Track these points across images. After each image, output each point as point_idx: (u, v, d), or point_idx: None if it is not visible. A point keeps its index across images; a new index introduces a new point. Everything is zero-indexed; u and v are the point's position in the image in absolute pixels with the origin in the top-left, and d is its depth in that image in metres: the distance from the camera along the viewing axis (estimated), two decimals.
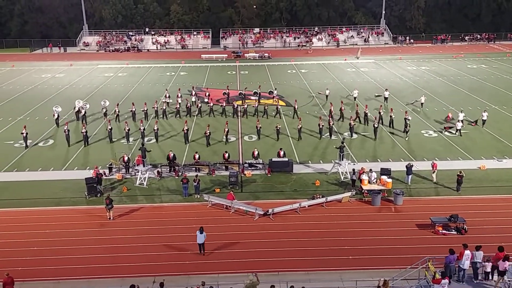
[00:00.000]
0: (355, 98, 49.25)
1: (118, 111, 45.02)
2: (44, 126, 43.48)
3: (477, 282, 20.20)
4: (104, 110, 45.55)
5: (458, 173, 29.76)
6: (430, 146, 37.57)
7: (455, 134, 39.72)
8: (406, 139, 38.64)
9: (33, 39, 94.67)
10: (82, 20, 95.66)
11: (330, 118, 40.53)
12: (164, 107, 46.04)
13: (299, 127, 39.15)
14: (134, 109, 44.78)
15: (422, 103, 47.22)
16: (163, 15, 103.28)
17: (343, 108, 44.32)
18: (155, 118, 44.35)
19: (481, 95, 52.23)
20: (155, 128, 39.19)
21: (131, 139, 39.12)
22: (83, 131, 38.44)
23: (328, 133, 39.62)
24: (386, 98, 49.02)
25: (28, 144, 38.22)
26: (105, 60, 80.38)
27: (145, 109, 45.06)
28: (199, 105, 46.49)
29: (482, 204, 28.25)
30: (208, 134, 37.67)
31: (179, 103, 47.05)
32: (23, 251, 23.85)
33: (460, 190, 29.65)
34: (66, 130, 38.44)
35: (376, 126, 39.08)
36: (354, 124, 39.96)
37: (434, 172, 30.94)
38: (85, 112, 44.48)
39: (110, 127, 39.29)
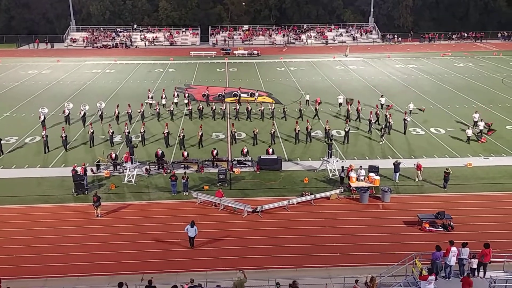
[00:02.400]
0: (340, 104, 46.87)
1: (118, 112, 42.81)
2: (30, 122, 42.99)
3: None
4: (100, 112, 43.37)
5: (445, 170, 30.05)
6: (417, 144, 37.84)
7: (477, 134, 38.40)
8: (382, 142, 37.66)
9: (19, 35, 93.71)
10: (69, 16, 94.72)
11: (308, 123, 38.57)
12: (131, 111, 43.04)
13: (272, 131, 37.60)
14: (130, 111, 42.70)
15: (410, 111, 44.39)
16: (152, 11, 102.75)
17: (360, 108, 43.50)
18: (157, 119, 43.25)
19: (468, 94, 52.71)
20: (141, 130, 37.69)
21: (119, 137, 38.71)
22: (62, 135, 36.26)
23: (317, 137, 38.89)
24: (382, 105, 46.20)
25: (3, 149, 36.02)
26: (93, 56, 79.77)
27: (142, 110, 43.15)
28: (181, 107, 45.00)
29: (469, 201, 28.57)
30: (182, 136, 36.43)
31: (164, 104, 45.29)
32: (10, 249, 23.63)
33: (446, 187, 29.94)
34: (44, 136, 36.13)
35: (347, 130, 37.63)
36: (330, 129, 37.94)
37: (419, 173, 30.97)
38: (84, 113, 42.21)
39: (92, 131, 37.30)
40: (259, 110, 44.54)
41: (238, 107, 44.44)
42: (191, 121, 43.52)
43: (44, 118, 41.78)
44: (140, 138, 37.79)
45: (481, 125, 38.88)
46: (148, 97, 47.71)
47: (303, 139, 38.03)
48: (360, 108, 43.80)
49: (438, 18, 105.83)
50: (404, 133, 39.54)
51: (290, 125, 40.85)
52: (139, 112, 43.28)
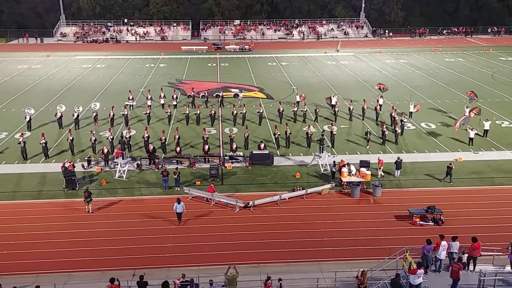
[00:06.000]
0: (333, 105, 43.39)
1: (113, 114, 40.23)
2: (20, 118, 42.46)
3: None
4: (95, 114, 40.88)
5: (448, 165, 30.27)
6: (408, 138, 38.01)
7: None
8: (368, 147, 35.91)
9: (8, 30, 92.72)
10: (59, 10, 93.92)
11: (288, 128, 36.43)
12: (126, 112, 41.18)
13: (246, 135, 35.76)
14: (126, 113, 40.87)
15: (411, 112, 42.35)
16: (142, 6, 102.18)
17: (378, 108, 41.88)
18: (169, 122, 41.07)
19: (458, 89, 53.01)
20: (127, 135, 35.26)
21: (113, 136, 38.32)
22: (42, 142, 33.75)
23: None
24: (381, 106, 43.09)
25: None
26: (83, 51, 79.21)
27: (148, 112, 41.21)
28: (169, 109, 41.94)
29: (458, 195, 28.79)
30: (164, 140, 34.89)
31: (149, 106, 43.22)
32: (1, 245, 23.47)
33: (451, 181, 30.08)
34: (22, 142, 33.55)
35: (334, 133, 35.95)
36: (311, 134, 35.98)
37: (380, 168, 30.85)
38: (78, 115, 40.19)
39: (71, 138, 34.66)
40: (292, 111, 42.34)
41: (217, 110, 41.88)
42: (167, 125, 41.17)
43: (30, 119, 39.64)
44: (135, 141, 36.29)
45: (486, 125, 37.70)
46: (129, 99, 45.25)
47: (283, 144, 36.35)
48: (379, 108, 42.40)
49: (429, 13, 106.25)
50: (401, 134, 37.99)
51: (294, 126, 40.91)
52: (145, 114, 41.52)
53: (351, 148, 36.00)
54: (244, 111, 41.02)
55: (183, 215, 25.44)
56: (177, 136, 35.01)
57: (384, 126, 37.02)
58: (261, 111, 41.52)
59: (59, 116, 40.38)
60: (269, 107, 44.77)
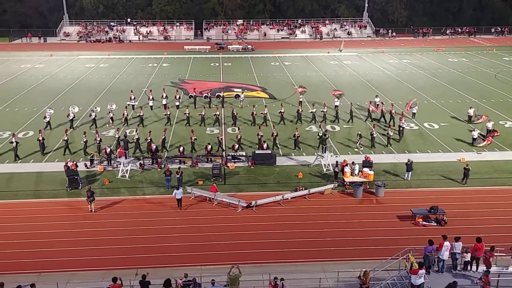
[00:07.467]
0: (336, 106, 42.78)
1: (127, 114, 40.63)
2: (24, 117, 42.73)
3: (456, 272, 20.59)
4: (111, 114, 40.76)
5: (465, 166, 30.15)
6: (411, 138, 37.92)
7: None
8: (360, 149, 35.58)
9: (12, 29, 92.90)
10: (62, 10, 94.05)
11: (274, 130, 36.26)
12: (142, 113, 41.07)
13: (238, 137, 35.36)
14: (142, 114, 40.75)
15: (414, 113, 42.26)
16: (145, 5, 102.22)
17: (393, 111, 40.83)
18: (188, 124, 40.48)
19: (461, 89, 52.89)
20: (116, 135, 35.26)
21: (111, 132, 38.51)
22: (39, 138, 34.18)
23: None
24: (377, 105, 43.24)
25: None
26: (86, 50, 79.30)
27: (168, 113, 40.79)
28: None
29: (461, 196, 28.71)
30: (149, 140, 33.97)
31: (151, 106, 43.57)
32: (3, 244, 23.53)
33: (467, 183, 29.94)
34: (14, 142, 33.82)
35: (321, 134, 34.81)
36: (299, 136, 35.81)
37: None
38: (95, 116, 40.02)
39: (66, 138, 34.70)
40: (310, 112, 41.68)
41: (222, 111, 41.63)
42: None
43: (50, 119, 39.54)
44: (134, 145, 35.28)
45: (490, 125, 37.66)
46: (131, 99, 44.97)
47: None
48: (393, 111, 41.33)
49: (432, 13, 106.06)
50: (399, 140, 37.09)
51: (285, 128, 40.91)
52: (165, 115, 40.91)
53: (353, 149, 35.91)
54: (265, 112, 41.06)
55: (183, 201, 26.81)
56: (163, 137, 35.23)
57: (374, 129, 36.85)
58: (282, 110, 41.29)
59: (71, 117, 39.96)
60: (272, 107, 44.67)
